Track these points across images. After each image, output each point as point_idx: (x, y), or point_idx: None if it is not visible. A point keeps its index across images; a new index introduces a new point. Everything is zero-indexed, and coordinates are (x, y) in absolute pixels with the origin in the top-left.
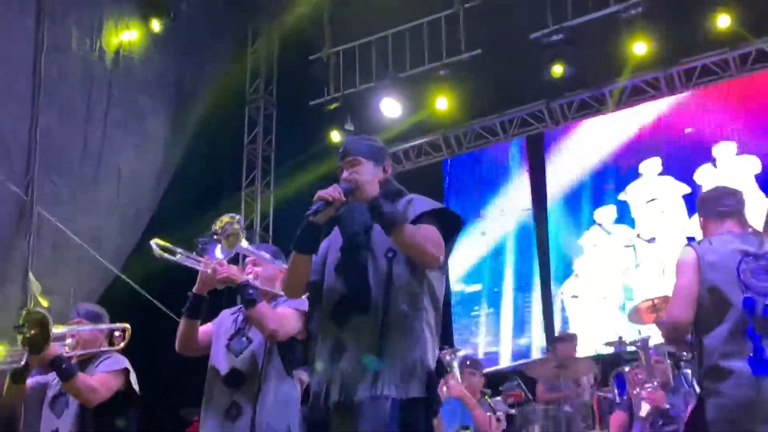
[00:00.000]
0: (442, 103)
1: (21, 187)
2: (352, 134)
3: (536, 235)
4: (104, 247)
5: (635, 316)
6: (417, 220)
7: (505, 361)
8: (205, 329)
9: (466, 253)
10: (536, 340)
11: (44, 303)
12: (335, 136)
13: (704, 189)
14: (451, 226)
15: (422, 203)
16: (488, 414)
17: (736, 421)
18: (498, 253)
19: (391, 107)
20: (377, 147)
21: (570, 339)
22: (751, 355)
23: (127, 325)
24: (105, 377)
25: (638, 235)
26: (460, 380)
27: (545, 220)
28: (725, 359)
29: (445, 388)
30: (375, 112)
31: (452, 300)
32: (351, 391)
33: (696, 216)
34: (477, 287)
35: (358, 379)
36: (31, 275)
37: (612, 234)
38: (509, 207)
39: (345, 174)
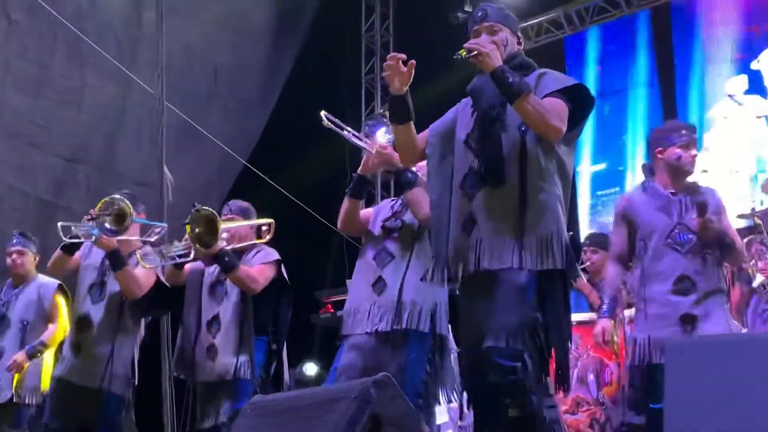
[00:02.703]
0: None
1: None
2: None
3: (663, 111)
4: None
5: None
6: (546, 97)
7: None
8: (366, 212)
9: (590, 132)
10: None
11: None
12: (454, 19)
13: None
14: (581, 104)
15: (553, 80)
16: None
17: None
18: (623, 131)
19: None
20: (513, 18)
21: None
22: None
23: (272, 220)
24: (262, 268)
25: None
26: None
27: (673, 94)
28: None
29: None
30: None
31: (576, 179)
32: (486, 263)
33: None
34: (601, 166)
35: (493, 251)
36: (165, 169)
37: (743, 105)
38: (635, 83)
39: (483, 37)
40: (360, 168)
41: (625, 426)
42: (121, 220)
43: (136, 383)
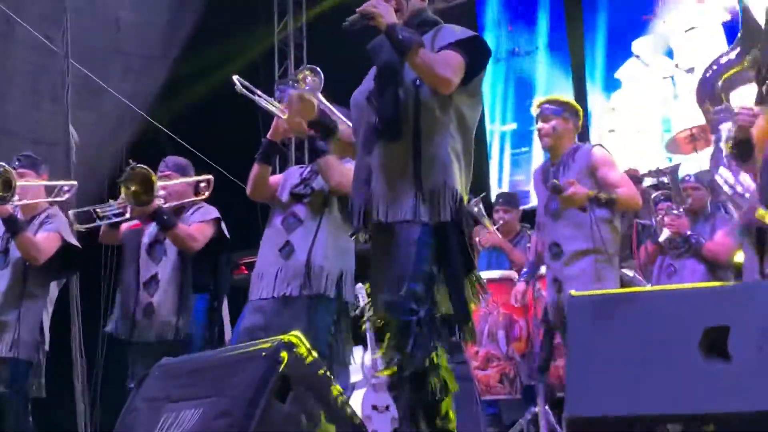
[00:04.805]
0: None
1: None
2: None
3: (573, 71)
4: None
5: (672, 146)
6: (442, 50)
7: None
8: (275, 178)
9: (501, 92)
10: None
11: None
12: None
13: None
14: (478, 56)
15: (449, 33)
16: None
17: None
18: (533, 91)
19: None
20: None
21: None
22: None
23: (211, 177)
24: (201, 226)
25: (677, 66)
26: (491, 227)
27: (582, 54)
28: None
29: (478, 240)
30: None
31: (487, 139)
32: (382, 214)
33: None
34: (512, 126)
35: (387, 203)
36: (72, 129)
37: (650, 66)
38: (545, 44)
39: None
40: (270, 133)
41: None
42: (7, 185)
43: (47, 348)
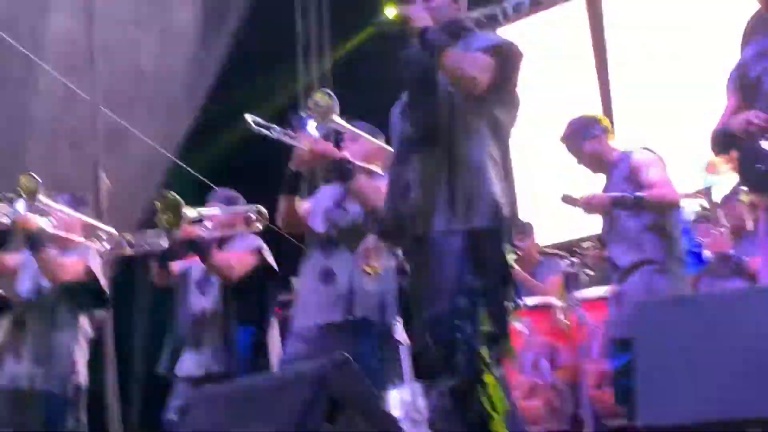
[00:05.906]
0: None
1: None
2: None
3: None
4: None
5: (711, 167)
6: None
7: None
8: (305, 206)
9: None
10: None
11: None
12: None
13: None
14: (509, 60)
15: (480, 38)
16: (555, 275)
17: None
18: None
19: None
20: None
21: None
22: None
23: (262, 208)
24: (240, 255)
25: None
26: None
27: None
28: None
29: None
30: None
31: None
32: (419, 225)
33: None
34: None
35: (426, 215)
36: (102, 174)
37: None
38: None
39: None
40: (293, 162)
41: None
42: (32, 196)
43: (83, 384)
